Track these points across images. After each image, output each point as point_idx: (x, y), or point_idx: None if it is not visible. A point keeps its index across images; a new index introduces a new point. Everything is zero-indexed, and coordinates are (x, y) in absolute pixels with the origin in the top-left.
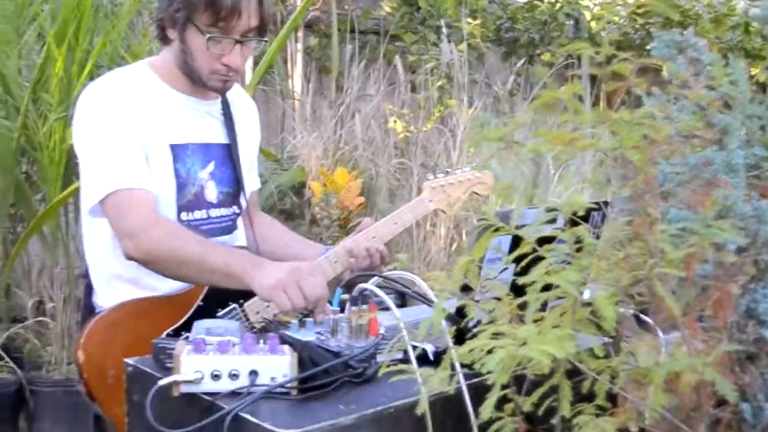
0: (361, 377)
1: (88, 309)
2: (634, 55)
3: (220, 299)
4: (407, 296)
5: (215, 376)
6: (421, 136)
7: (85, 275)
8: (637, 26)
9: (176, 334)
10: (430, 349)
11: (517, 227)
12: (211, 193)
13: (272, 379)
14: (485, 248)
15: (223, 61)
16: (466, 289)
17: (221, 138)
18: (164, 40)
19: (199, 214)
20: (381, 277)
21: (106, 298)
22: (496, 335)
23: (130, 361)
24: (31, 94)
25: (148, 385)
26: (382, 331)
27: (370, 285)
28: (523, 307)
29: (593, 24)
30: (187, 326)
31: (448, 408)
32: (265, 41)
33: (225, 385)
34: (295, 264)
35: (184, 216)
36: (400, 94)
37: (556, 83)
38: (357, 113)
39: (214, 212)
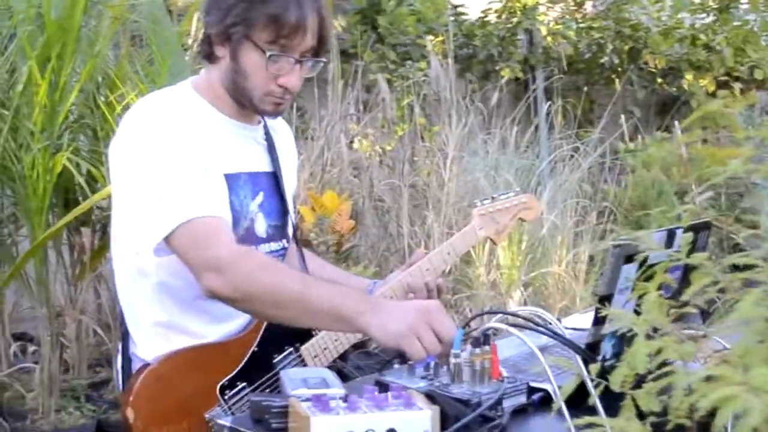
0: (499, 428)
1: (127, 360)
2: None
3: (275, 344)
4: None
5: None
6: (408, 154)
7: (121, 323)
8: (590, 41)
9: (231, 384)
10: (550, 389)
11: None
12: (261, 226)
13: None
14: (661, 279)
15: (280, 82)
16: (597, 322)
17: (266, 166)
18: (210, 58)
19: None
20: (509, 314)
21: (147, 348)
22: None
23: (223, 421)
24: (12, 122)
25: None
26: (504, 373)
27: (502, 324)
28: None
29: (549, 39)
30: (242, 375)
31: None
32: (324, 62)
33: None
34: (420, 303)
35: None
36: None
37: (510, 98)
38: (343, 135)
39: (264, 247)
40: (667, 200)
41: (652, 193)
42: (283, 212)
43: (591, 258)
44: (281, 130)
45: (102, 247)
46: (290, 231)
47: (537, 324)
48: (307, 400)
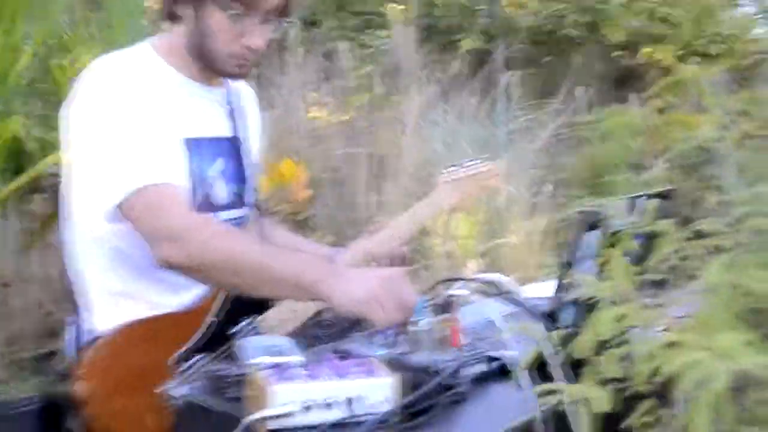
0: (460, 396)
1: (79, 332)
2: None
3: (233, 315)
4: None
5: (309, 407)
6: (367, 123)
7: (73, 293)
8: (550, 13)
9: (187, 355)
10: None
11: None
12: (221, 193)
13: (372, 406)
14: (627, 246)
15: (245, 42)
16: (560, 290)
17: (228, 131)
18: (172, 17)
19: None
20: (470, 281)
21: (101, 318)
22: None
23: (176, 392)
24: None
25: (211, 422)
26: (464, 341)
27: (465, 291)
28: None
29: (510, 10)
30: (198, 347)
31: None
32: (291, 22)
33: (318, 417)
34: (382, 271)
35: None
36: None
37: (470, 68)
38: (302, 103)
39: (224, 215)
40: (623, 172)
41: (609, 164)
42: (244, 179)
43: (552, 229)
44: (244, 93)
45: (53, 215)
46: (251, 198)
47: (499, 291)
48: (266, 368)
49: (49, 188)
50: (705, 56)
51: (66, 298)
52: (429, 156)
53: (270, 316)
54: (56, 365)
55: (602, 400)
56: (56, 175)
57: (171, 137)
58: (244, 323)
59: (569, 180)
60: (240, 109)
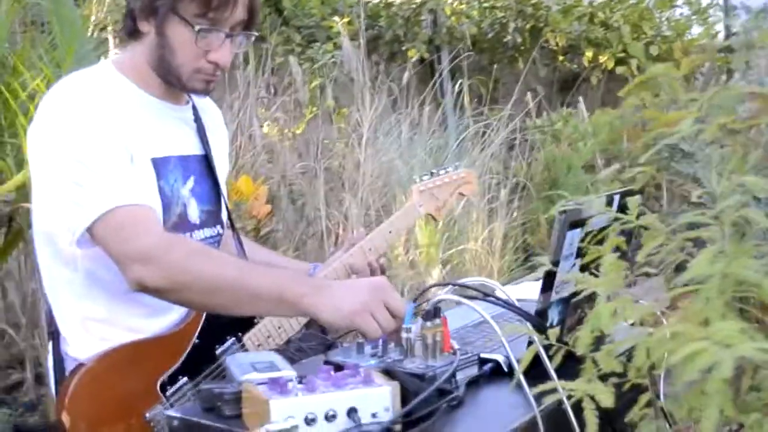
0: (456, 400)
1: (59, 361)
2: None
3: (216, 334)
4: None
5: (311, 421)
6: (321, 137)
7: (50, 322)
8: (493, 20)
9: (173, 379)
10: (501, 359)
11: (585, 220)
12: (194, 212)
13: (373, 415)
14: (615, 242)
15: (210, 57)
16: (546, 290)
17: (197, 149)
18: (134, 34)
19: None
20: (458, 285)
21: (80, 346)
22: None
23: (172, 413)
24: None
25: None
26: (456, 345)
27: (455, 296)
28: None
29: (453, 19)
30: (183, 369)
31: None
32: (255, 35)
33: (322, 429)
34: (369, 281)
35: None
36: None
37: (417, 78)
38: (256, 118)
39: (198, 234)
40: (576, 174)
41: (562, 167)
42: (216, 197)
43: (506, 233)
44: (210, 109)
45: (9, 244)
46: (224, 216)
47: (487, 294)
48: (262, 383)
49: (3, 217)
50: (645, 58)
51: (28, 326)
52: (385, 167)
53: (254, 333)
54: (22, 396)
55: (607, 396)
56: (8, 203)
57: (139, 157)
58: (228, 342)
59: (525, 184)
60: (208, 127)
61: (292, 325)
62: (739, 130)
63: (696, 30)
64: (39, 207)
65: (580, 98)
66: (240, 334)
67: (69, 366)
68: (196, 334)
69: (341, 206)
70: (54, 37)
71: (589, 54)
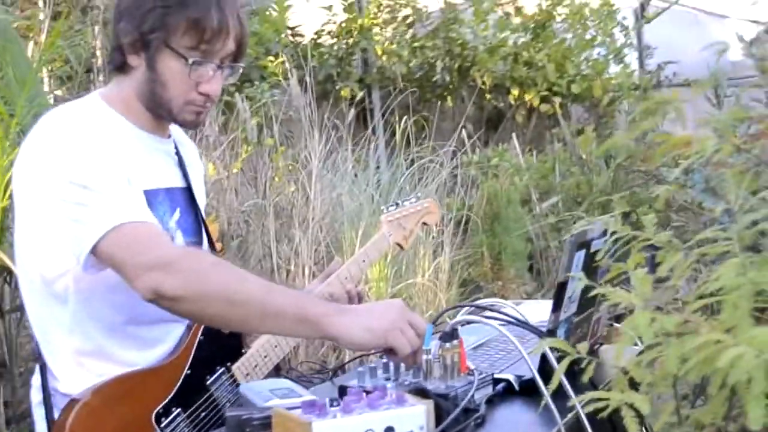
0: (481, 419)
1: (47, 396)
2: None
3: (206, 365)
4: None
5: None
6: (270, 174)
7: (38, 356)
8: (422, 60)
9: (167, 411)
10: (512, 378)
11: (590, 242)
12: (181, 244)
13: None
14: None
15: (201, 89)
16: (556, 309)
17: (180, 182)
18: (122, 68)
19: None
20: (475, 307)
21: (72, 381)
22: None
23: None
24: None
25: None
26: (471, 366)
27: (474, 317)
28: None
29: (384, 59)
30: (176, 400)
31: None
32: (243, 67)
33: None
34: (391, 302)
35: None
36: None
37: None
38: (205, 158)
39: None
40: (516, 209)
41: (503, 201)
42: (199, 229)
43: (451, 266)
44: (187, 143)
45: None
46: (206, 248)
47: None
48: (294, 408)
49: None
50: (566, 96)
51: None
52: (334, 202)
53: (243, 363)
54: None
55: (645, 405)
56: None
57: (134, 186)
58: (218, 372)
59: (469, 218)
60: (186, 161)
61: (278, 354)
62: (749, 149)
63: (613, 69)
64: (27, 242)
65: (513, 135)
66: (229, 364)
67: (58, 402)
68: (188, 364)
69: (291, 242)
70: (4, 74)
71: (514, 92)
